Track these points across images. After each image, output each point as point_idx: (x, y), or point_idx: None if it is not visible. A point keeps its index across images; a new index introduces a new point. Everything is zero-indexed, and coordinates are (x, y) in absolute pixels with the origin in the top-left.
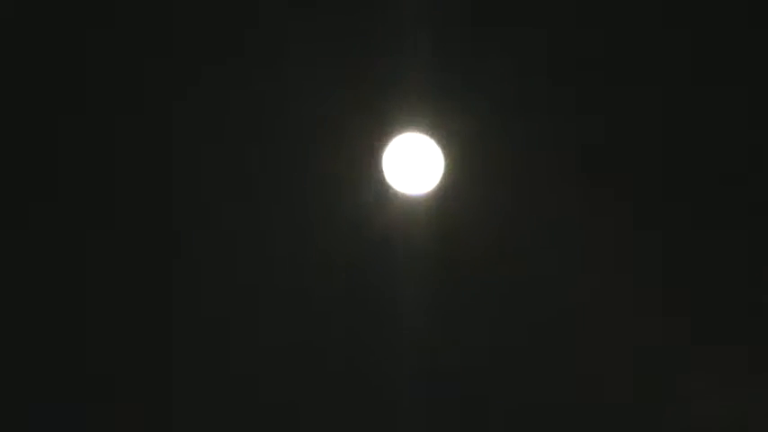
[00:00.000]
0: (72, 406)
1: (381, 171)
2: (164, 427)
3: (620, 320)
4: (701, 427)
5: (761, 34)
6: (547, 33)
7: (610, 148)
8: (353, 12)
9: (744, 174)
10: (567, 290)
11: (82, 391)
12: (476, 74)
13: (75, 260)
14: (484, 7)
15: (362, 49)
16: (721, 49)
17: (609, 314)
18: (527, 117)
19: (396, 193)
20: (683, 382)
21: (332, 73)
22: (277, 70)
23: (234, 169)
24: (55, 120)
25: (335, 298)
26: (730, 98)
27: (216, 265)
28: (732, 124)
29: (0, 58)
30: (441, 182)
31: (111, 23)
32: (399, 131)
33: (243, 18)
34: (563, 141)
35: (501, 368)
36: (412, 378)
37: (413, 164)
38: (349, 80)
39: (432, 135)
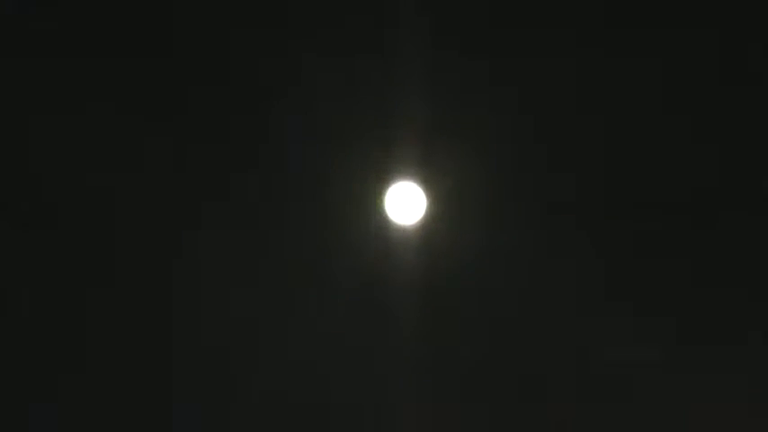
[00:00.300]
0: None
1: (382, 208)
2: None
3: (593, 342)
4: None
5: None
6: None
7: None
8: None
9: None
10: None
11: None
12: (455, 136)
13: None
14: (464, 78)
15: (368, 122)
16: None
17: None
18: (496, 169)
19: (391, 224)
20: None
21: (345, 137)
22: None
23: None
24: None
25: (342, 299)
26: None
27: (224, 284)
28: (701, 155)
29: None
30: (424, 216)
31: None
32: (395, 179)
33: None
34: (530, 190)
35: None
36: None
37: (404, 202)
38: (359, 142)
39: (418, 182)
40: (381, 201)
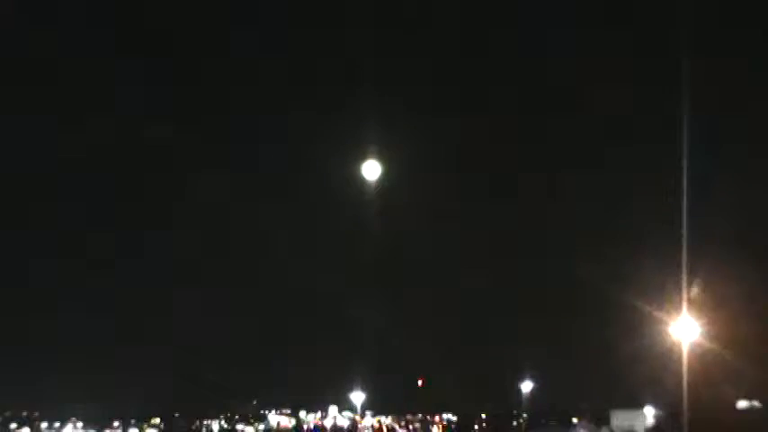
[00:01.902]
0: None
1: (360, 173)
2: None
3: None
4: None
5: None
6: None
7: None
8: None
9: None
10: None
11: None
12: (405, 128)
13: None
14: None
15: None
16: None
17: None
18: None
19: (365, 182)
20: None
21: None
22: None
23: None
24: None
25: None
26: None
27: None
28: None
29: None
30: (381, 176)
31: None
32: (366, 157)
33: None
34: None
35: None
36: None
37: (371, 169)
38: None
39: (378, 159)
40: (356, 167)
